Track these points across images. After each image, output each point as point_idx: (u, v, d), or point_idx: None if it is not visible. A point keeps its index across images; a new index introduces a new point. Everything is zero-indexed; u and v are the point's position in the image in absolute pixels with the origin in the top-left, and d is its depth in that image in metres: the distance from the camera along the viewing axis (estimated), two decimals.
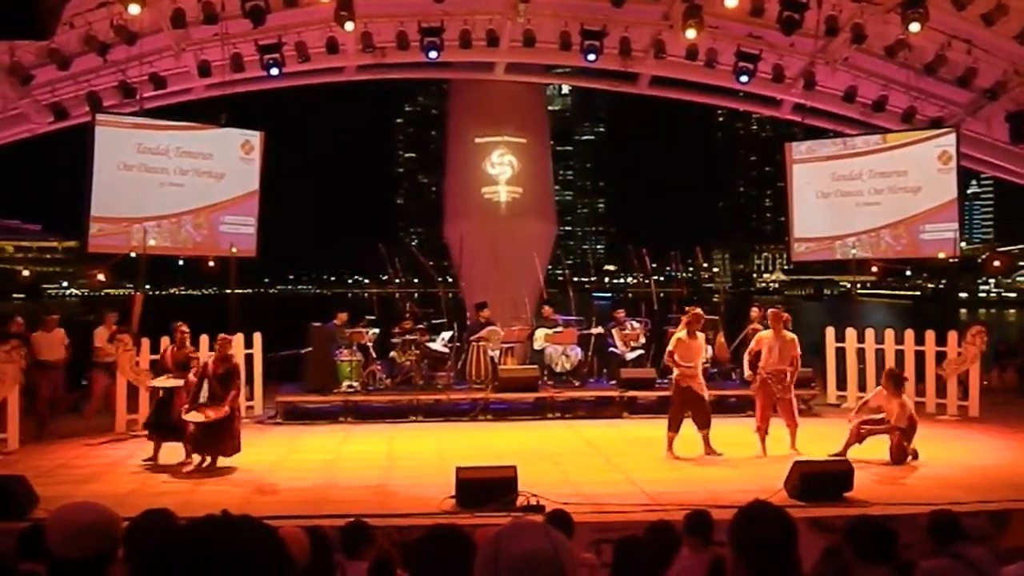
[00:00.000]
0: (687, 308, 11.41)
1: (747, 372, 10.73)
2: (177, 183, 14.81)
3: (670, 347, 10.73)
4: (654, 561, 4.65)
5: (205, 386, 10.06)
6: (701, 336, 10.75)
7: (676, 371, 10.61)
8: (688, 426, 10.70)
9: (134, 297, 13.37)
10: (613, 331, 14.91)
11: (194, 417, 9.80)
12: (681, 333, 10.65)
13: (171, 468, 10.09)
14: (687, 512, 5.40)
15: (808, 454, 9.75)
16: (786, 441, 10.48)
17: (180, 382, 10.34)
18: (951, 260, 16.50)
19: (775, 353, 10.38)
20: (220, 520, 1.46)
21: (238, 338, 13.52)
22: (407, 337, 14.36)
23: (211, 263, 15.81)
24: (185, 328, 11.10)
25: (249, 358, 13.68)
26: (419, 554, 2.49)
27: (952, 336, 13.70)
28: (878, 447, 10.07)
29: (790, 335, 10.49)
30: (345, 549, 5.15)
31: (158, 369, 10.86)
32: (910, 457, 10.05)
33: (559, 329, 14.73)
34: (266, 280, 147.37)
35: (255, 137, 15.48)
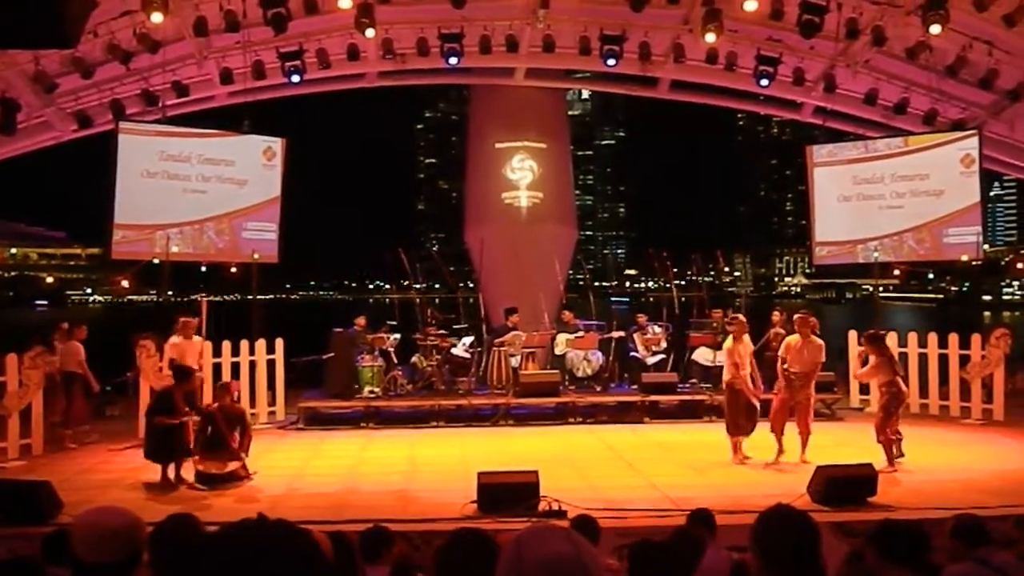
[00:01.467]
0: (732, 316, 11.43)
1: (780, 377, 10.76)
2: (200, 190, 14.91)
3: (727, 359, 10.69)
4: (677, 567, 4.63)
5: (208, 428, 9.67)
6: (747, 339, 10.84)
7: (728, 374, 10.65)
8: (720, 430, 10.87)
9: (199, 303, 13.42)
10: (635, 336, 14.89)
11: (209, 468, 9.43)
12: (729, 342, 10.73)
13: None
14: (689, 512, 5.54)
15: (831, 459, 9.65)
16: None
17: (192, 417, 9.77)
18: (975, 263, 16.35)
19: (803, 356, 10.32)
20: (256, 523, 1.47)
21: (260, 344, 13.63)
22: (429, 342, 14.38)
23: (233, 269, 15.88)
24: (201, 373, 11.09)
25: (271, 364, 13.76)
26: (442, 558, 2.48)
27: (976, 339, 13.58)
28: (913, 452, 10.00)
29: (818, 340, 10.41)
30: (365, 554, 5.15)
31: (166, 407, 9.61)
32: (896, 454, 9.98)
33: (580, 334, 14.72)
34: (287, 286, 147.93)
35: (277, 143, 15.56)
